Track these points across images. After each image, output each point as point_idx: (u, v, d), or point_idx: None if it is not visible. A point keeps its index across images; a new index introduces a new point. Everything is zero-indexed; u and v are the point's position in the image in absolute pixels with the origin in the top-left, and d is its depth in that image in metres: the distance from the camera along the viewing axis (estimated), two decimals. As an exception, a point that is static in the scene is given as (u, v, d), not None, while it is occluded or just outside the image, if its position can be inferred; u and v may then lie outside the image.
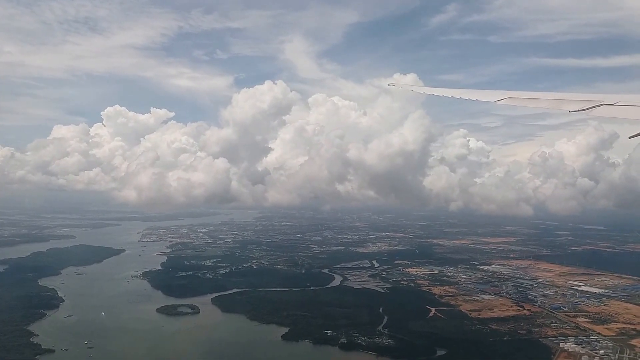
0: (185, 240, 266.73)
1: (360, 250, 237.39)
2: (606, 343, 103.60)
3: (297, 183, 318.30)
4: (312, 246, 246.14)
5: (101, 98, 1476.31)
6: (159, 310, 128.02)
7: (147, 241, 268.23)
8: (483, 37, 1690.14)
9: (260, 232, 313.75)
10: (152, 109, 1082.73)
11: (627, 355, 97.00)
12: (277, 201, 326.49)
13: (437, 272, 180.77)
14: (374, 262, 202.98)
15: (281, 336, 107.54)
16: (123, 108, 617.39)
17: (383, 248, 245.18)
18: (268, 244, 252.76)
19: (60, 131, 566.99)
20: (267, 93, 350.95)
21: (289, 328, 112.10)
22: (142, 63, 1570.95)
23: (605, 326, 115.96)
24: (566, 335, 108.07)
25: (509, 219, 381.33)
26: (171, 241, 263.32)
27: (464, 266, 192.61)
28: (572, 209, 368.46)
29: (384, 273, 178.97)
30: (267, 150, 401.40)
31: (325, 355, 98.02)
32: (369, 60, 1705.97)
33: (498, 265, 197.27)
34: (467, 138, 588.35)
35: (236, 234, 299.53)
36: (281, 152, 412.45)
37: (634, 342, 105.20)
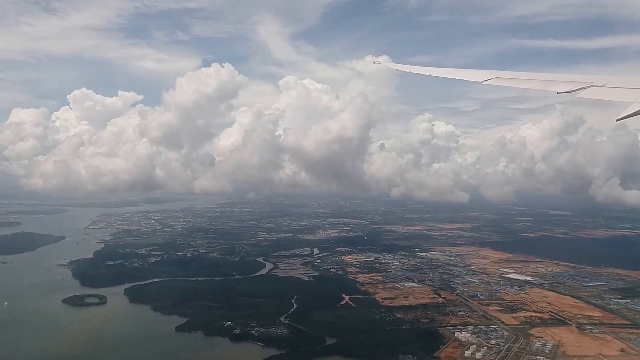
0: (133, 228, 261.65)
1: (308, 237, 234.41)
2: (503, 332, 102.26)
3: (229, 169, 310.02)
4: (261, 233, 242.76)
5: (68, 81, 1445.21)
6: (65, 300, 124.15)
7: (93, 228, 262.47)
8: (462, 18, 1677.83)
9: (215, 218, 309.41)
10: (119, 92, 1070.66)
11: (517, 345, 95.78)
12: (208, 188, 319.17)
13: (372, 259, 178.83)
14: (315, 249, 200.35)
15: (175, 327, 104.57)
16: (90, 91, 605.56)
17: (332, 235, 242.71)
18: (216, 231, 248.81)
19: (19, 115, 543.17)
20: (213, 76, 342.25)
21: (188, 319, 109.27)
22: (103, 45, 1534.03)
23: (513, 315, 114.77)
24: (467, 324, 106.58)
25: (477, 204, 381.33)
26: (118, 228, 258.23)
27: (403, 253, 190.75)
28: (508, 194, 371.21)
29: (317, 261, 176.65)
30: (211, 136, 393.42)
31: (210, 346, 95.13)
32: (346, 42, 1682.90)
33: (438, 252, 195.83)
34: (432, 122, 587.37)
35: (189, 220, 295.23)
36: (237, 137, 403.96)
37: (533, 331, 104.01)
